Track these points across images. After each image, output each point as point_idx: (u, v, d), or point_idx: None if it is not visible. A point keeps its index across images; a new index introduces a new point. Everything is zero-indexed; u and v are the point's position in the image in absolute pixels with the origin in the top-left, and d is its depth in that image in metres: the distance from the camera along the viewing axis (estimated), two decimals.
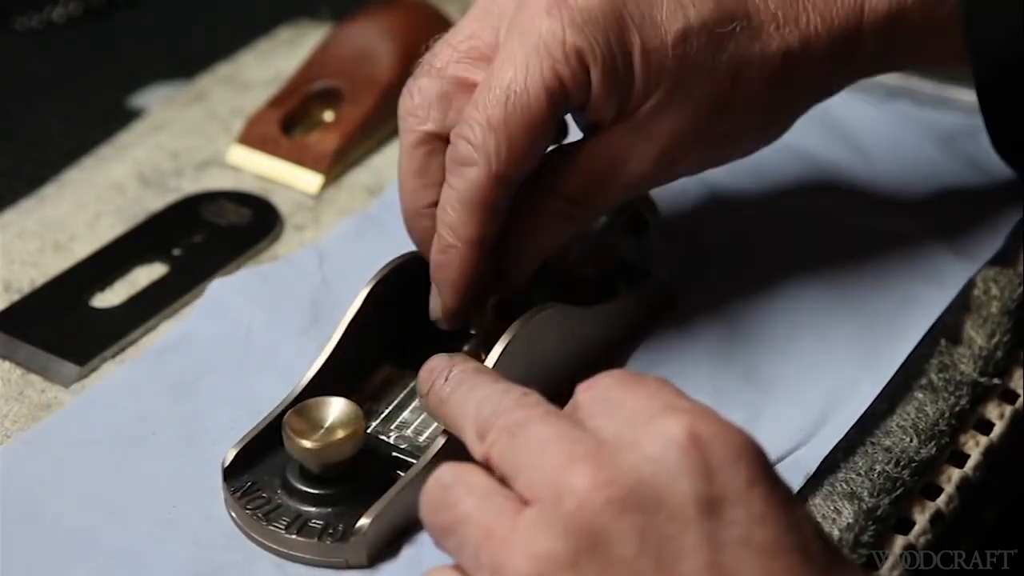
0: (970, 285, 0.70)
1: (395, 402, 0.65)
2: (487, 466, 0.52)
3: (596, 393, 0.52)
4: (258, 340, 0.69)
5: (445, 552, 0.52)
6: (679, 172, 0.66)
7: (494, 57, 0.63)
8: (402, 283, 0.66)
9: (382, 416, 0.64)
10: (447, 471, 0.52)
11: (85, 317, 0.71)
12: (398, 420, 0.64)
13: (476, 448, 0.53)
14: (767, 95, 0.65)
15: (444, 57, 0.64)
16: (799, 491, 0.62)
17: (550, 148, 0.65)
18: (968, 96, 0.75)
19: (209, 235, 0.76)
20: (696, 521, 0.48)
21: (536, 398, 0.53)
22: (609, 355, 0.68)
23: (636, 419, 0.50)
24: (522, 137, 0.62)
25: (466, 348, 0.66)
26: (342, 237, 0.76)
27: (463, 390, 0.55)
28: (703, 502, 0.48)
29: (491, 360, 0.62)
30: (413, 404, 0.65)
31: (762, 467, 0.49)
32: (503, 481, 0.51)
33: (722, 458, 0.49)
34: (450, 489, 0.51)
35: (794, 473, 0.62)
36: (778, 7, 0.65)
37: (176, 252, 0.75)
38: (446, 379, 0.57)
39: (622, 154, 0.64)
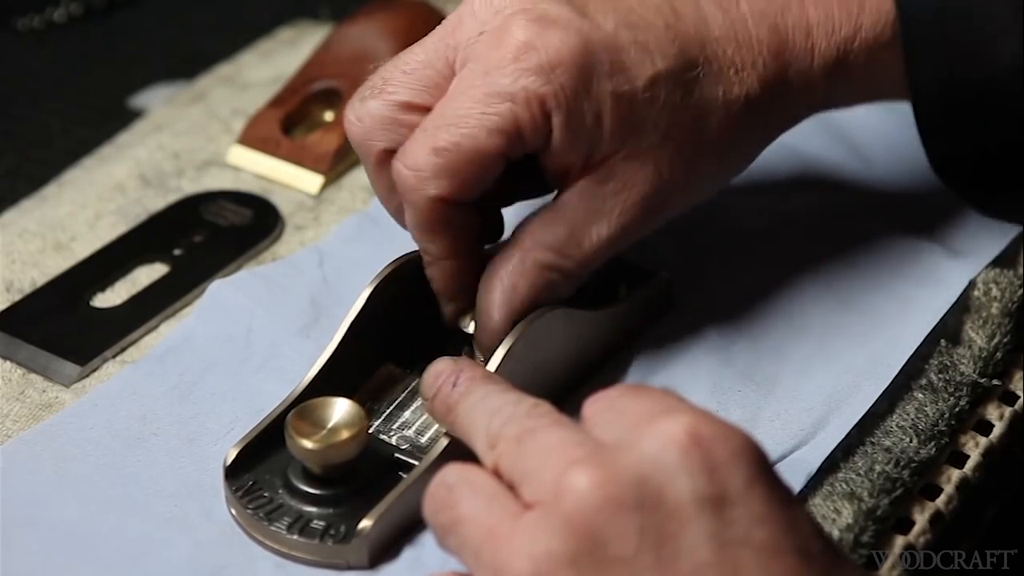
0: (971, 286, 0.70)
1: (397, 402, 0.65)
2: (496, 475, 0.52)
3: (602, 404, 0.52)
4: (259, 340, 0.69)
5: (447, 551, 0.52)
6: (662, 219, 0.66)
7: (446, 87, 0.63)
8: (404, 283, 0.66)
9: (383, 416, 0.65)
10: (451, 471, 0.52)
11: (86, 317, 0.71)
12: (400, 420, 0.64)
13: (486, 458, 0.53)
14: (734, 136, 0.66)
15: (395, 82, 0.64)
16: (800, 491, 0.62)
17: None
18: None
19: (210, 235, 0.76)
20: (695, 519, 0.48)
21: (547, 408, 0.53)
22: (610, 356, 0.68)
23: (637, 422, 0.50)
24: (467, 169, 0.62)
25: (466, 350, 0.66)
26: (342, 236, 0.76)
27: (473, 399, 0.56)
28: (702, 501, 0.48)
29: (494, 362, 0.62)
30: (415, 404, 0.65)
31: (762, 467, 0.49)
32: (511, 489, 0.51)
33: (722, 457, 0.49)
34: (454, 489, 0.52)
35: (794, 473, 0.62)
36: (735, 53, 0.65)
37: (177, 252, 0.75)
38: (454, 385, 0.57)
39: (599, 205, 0.63)
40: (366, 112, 0.64)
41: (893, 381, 0.66)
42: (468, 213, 0.64)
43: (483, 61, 0.62)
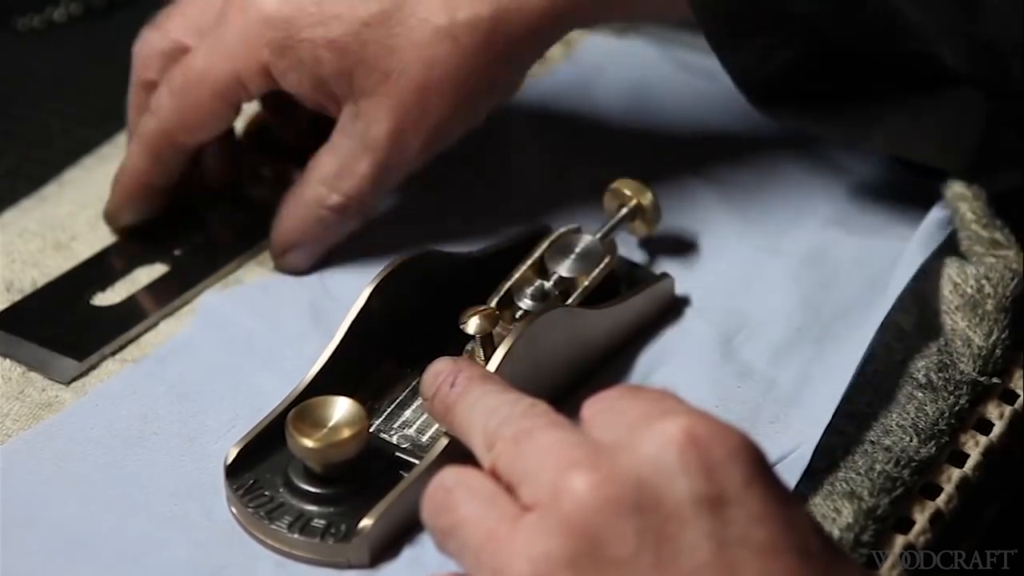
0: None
1: (397, 400, 0.65)
2: (494, 475, 0.52)
3: (601, 406, 0.52)
4: (259, 339, 0.69)
5: (446, 554, 0.52)
6: (417, 155, 0.71)
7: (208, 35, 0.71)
8: (404, 282, 0.66)
9: (384, 415, 0.65)
10: (450, 474, 0.52)
11: (85, 315, 0.71)
12: (401, 419, 0.64)
13: (484, 458, 0.53)
14: (455, 67, 0.70)
15: (174, 23, 0.74)
16: (799, 487, 0.62)
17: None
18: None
19: (209, 235, 0.76)
20: (694, 520, 0.48)
21: (544, 408, 0.53)
22: (611, 356, 0.68)
23: (635, 423, 0.50)
24: (193, 111, 0.71)
25: (469, 347, 0.66)
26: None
27: (471, 398, 0.56)
28: (701, 501, 0.48)
29: (495, 362, 0.62)
30: (416, 403, 0.65)
31: (759, 467, 0.49)
32: (509, 490, 0.51)
33: (719, 458, 0.49)
34: (452, 492, 0.51)
35: (792, 471, 0.62)
36: None
37: (177, 252, 0.75)
38: (452, 384, 0.57)
39: (357, 142, 0.70)
40: (148, 41, 0.75)
41: (893, 381, 0.66)
42: (179, 158, 0.74)
43: (234, 22, 0.71)
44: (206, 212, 0.77)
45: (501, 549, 0.49)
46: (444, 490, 0.52)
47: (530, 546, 0.48)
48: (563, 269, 0.69)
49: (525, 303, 0.67)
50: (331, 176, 0.71)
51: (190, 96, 0.71)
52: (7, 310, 0.71)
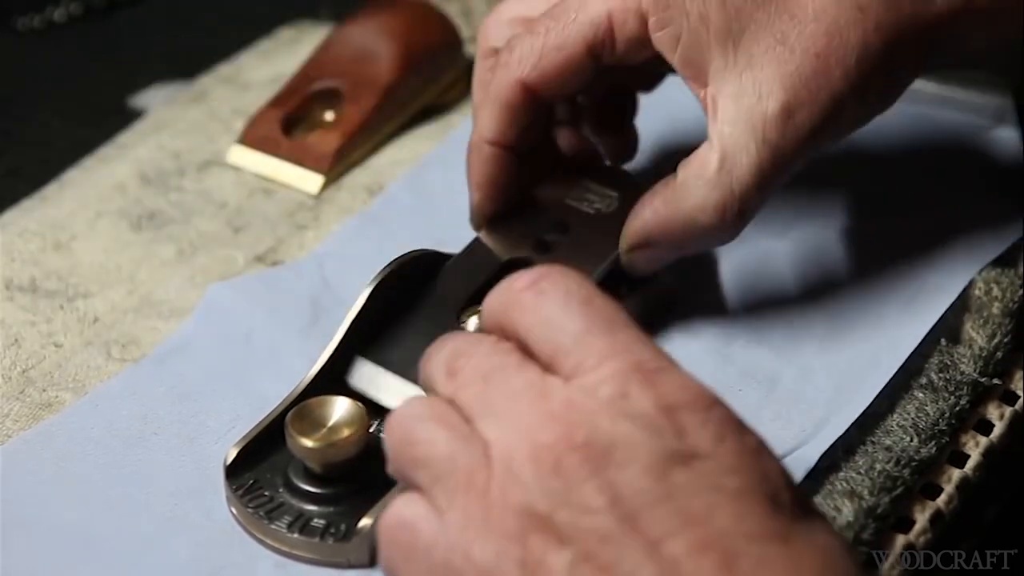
0: (971, 286, 0.70)
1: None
2: (452, 405, 0.52)
3: (539, 316, 0.52)
4: (259, 339, 0.69)
5: (404, 479, 0.52)
6: (811, 142, 0.65)
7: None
8: (405, 281, 0.66)
9: (384, 415, 0.64)
10: (417, 404, 0.52)
11: None
12: None
13: (444, 384, 0.53)
14: (860, 50, 0.64)
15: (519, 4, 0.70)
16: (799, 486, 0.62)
17: None
18: (969, 96, 0.75)
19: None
20: (667, 474, 0.49)
21: (510, 346, 0.53)
22: None
23: (604, 376, 0.50)
24: (553, 55, 0.66)
25: None
26: (342, 236, 0.76)
27: (436, 343, 0.55)
28: (673, 457, 0.49)
29: None
30: None
31: (729, 422, 0.50)
32: (467, 421, 0.51)
33: (692, 419, 0.50)
34: (423, 421, 0.51)
35: (795, 470, 0.62)
36: None
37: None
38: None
39: (742, 125, 0.64)
40: (496, 17, 0.71)
41: (893, 381, 0.66)
42: (535, 113, 0.68)
43: None
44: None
45: (483, 496, 0.50)
46: (414, 418, 0.52)
47: (511, 496, 0.49)
48: None
49: None
50: (708, 171, 0.64)
51: (552, 36, 0.66)
52: None
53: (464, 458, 0.50)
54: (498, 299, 0.54)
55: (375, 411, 0.64)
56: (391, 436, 0.52)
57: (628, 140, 0.75)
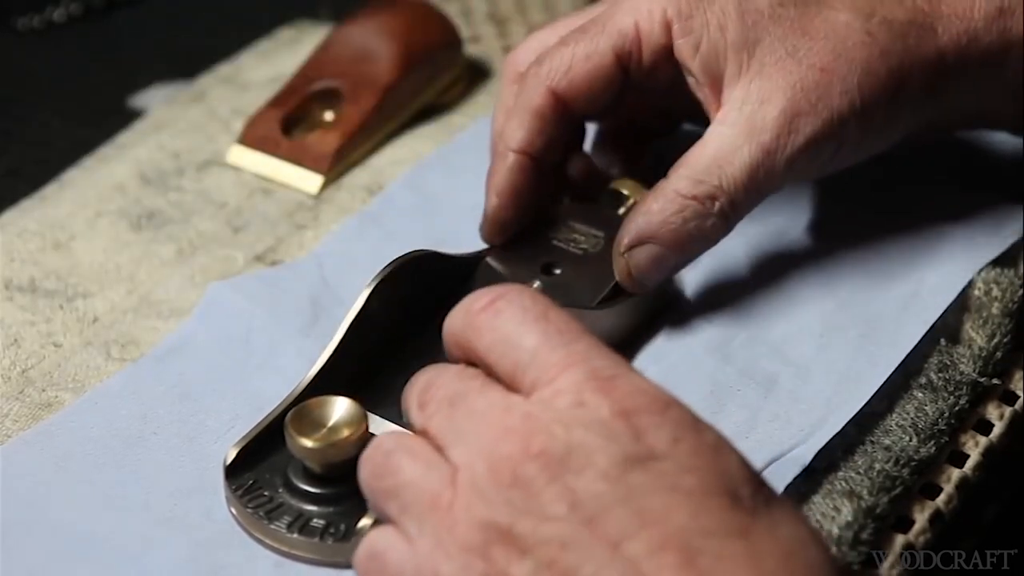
0: (970, 286, 0.70)
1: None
2: (425, 436, 0.54)
3: (496, 333, 0.54)
4: (259, 339, 0.69)
5: (383, 515, 0.54)
6: (803, 148, 0.67)
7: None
8: (405, 281, 0.66)
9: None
10: (389, 439, 0.54)
11: None
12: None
13: (416, 418, 0.55)
14: (866, 71, 0.67)
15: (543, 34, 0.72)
16: (798, 487, 0.62)
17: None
18: None
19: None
20: (624, 476, 0.50)
21: (474, 371, 0.55)
22: None
23: (560, 388, 0.52)
24: (583, 64, 0.68)
25: None
26: (341, 236, 0.76)
27: (412, 380, 0.57)
28: (630, 459, 0.50)
29: None
30: None
31: (685, 422, 0.51)
32: (439, 450, 0.53)
33: (648, 422, 0.51)
34: (392, 455, 0.53)
35: (790, 468, 0.62)
36: None
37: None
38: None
39: (736, 129, 0.66)
40: (516, 51, 0.73)
41: (892, 380, 0.66)
42: (562, 123, 0.69)
43: None
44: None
45: (445, 516, 0.51)
46: (384, 452, 0.54)
47: (473, 513, 0.50)
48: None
49: None
50: (702, 166, 0.66)
51: (581, 47, 0.68)
52: None
53: (430, 483, 0.52)
54: (458, 322, 0.56)
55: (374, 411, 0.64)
56: (363, 471, 0.54)
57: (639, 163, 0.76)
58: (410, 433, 0.55)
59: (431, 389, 0.55)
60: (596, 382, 0.52)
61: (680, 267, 0.69)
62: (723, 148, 0.66)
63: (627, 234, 0.67)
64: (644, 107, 0.75)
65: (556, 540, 0.49)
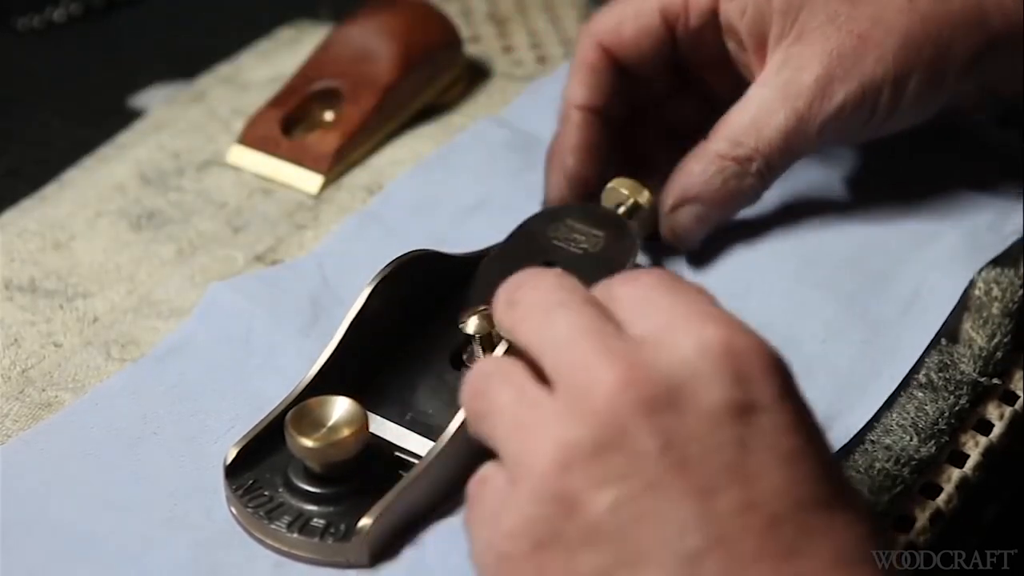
0: (971, 286, 0.70)
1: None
2: (511, 336, 0.53)
3: (636, 291, 0.52)
4: (259, 339, 0.69)
5: (479, 436, 0.53)
6: (835, 115, 0.68)
7: None
8: (405, 280, 0.66)
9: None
10: (490, 363, 0.53)
11: None
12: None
13: (504, 315, 0.54)
14: (905, 40, 0.68)
15: None
16: None
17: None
18: None
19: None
20: (725, 424, 0.48)
21: (574, 281, 0.53)
22: None
23: (673, 322, 0.50)
24: (633, 21, 0.71)
25: (468, 349, 0.65)
26: (341, 236, 0.76)
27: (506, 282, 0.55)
28: (733, 407, 0.49)
29: (498, 355, 0.62)
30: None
31: (791, 385, 0.50)
32: (526, 355, 0.52)
33: (755, 369, 0.49)
34: (490, 378, 0.52)
35: None
36: None
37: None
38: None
39: (774, 92, 0.69)
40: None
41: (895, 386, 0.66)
42: (617, 76, 0.72)
43: None
44: None
45: (528, 435, 0.50)
46: (483, 375, 0.53)
47: (557, 430, 0.49)
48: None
49: None
50: (741, 129, 0.69)
51: (631, 6, 0.71)
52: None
53: (519, 407, 0.51)
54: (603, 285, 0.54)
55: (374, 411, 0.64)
56: (463, 393, 0.54)
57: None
58: (510, 359, 0.53)
59: (523, 289, 0.53)
60: (712, 324, 0.50)
61: (722, 223, 0.72)
62: (761, 111, 0.69)
63: (671, 195, 0.70)
64: (656, 121, 0.75)
65: (642, 478, 0.48)
